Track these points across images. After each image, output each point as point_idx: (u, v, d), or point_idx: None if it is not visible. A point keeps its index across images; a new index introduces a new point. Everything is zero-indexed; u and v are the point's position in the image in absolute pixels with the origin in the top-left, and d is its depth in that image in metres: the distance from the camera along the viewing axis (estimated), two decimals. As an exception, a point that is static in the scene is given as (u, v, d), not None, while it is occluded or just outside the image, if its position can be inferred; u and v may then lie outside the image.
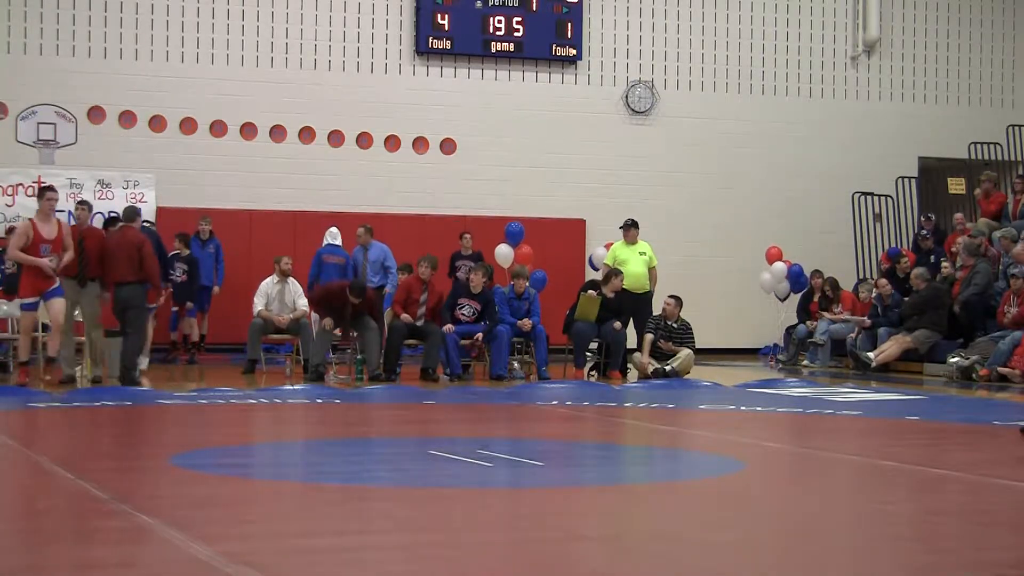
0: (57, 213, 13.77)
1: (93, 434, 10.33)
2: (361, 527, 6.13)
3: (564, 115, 20.95)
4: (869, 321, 18.01)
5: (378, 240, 17.34)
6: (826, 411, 11.78)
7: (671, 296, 16.17)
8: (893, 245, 21.25)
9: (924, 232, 19.82)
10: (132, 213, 14.48)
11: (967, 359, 16.20)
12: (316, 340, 15.11)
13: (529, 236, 18.56)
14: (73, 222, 15.21)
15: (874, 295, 18.48)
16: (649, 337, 15.90)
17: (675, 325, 16.06)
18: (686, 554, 5.63)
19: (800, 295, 19.62)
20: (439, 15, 20.32)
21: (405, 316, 15.13)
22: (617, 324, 15.87)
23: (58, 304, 13.43)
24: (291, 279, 16.03)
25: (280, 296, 15.86)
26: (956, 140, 22.35)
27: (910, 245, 20.63)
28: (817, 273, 19.31)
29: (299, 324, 15.74)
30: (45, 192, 13.77)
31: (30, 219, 13.67)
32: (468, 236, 18.18)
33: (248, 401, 12.19)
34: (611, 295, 16.00)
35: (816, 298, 19.23)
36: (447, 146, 20.63)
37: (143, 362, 14.83)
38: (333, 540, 5.77)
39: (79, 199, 15.66)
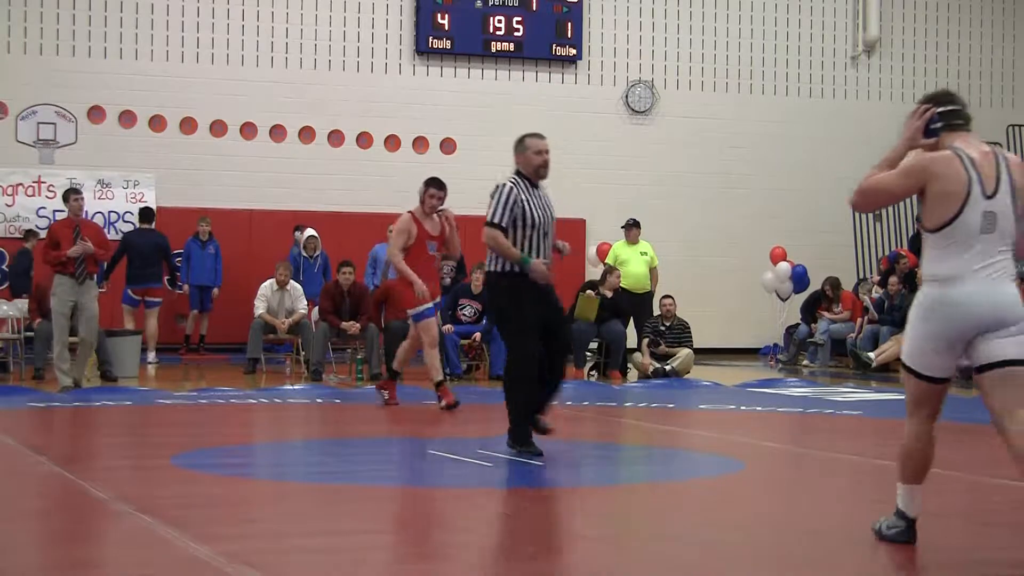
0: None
1: (93, 434, 10.33)
2: (361, 527, 6.12)
3: (564, 115, 20.93)
4: (876, 315, 18.06)
5: (378, 240, 17.40)
6: (826, 411, 11.78)
7: (667, 296, 16.19)
8: (894, 244, 21.25)
9: None
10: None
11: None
12: (316, 340, 15.16)
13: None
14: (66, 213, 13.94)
15: (876, 294, 18.48)
16: (645, 340, 15.96)
17: (672, 324, 16.07)
18: (686, 554, 5.63)
19: (805, 296, 19.56)
20: (439, 15, 20.31)
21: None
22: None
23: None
24: (292, 283, 16.11)
25: (280, 301, 15.96)
26: (956, 140, 22.31)
27: (908, 244, 20.62)
28: (830, 279, 19.17)
29: (299, 324, 15.82)
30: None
31: (410, 212, 11.59)
32: None
33: (248, 401, 12.19)
34: (609, 294, 16.00)
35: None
36: (447, 146, 20.63)
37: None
38: (333, 540, 5.77)
39: (69, 188, 14.19)
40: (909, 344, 5.53)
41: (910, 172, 5.47)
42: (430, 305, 11.34)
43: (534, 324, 8.29)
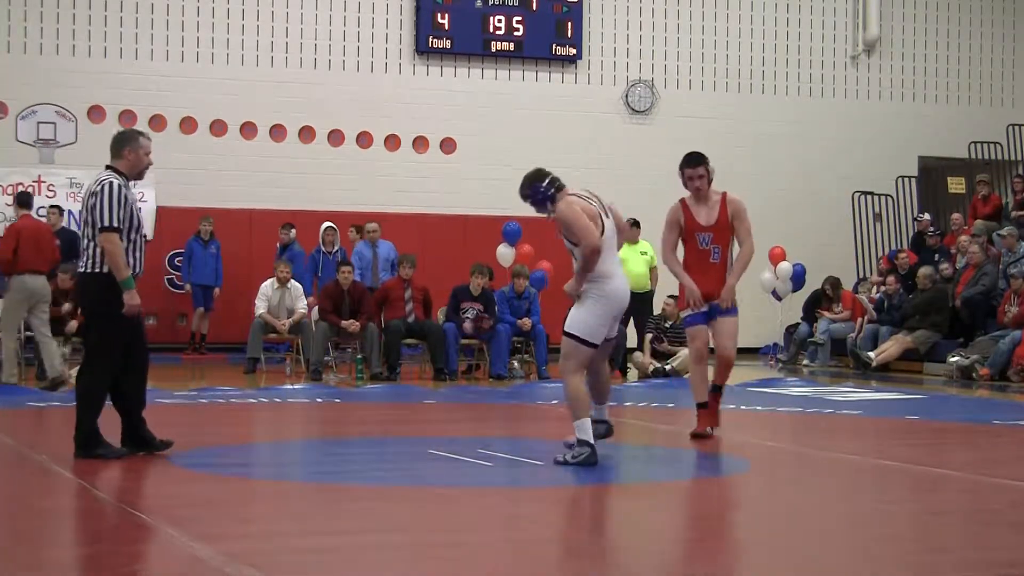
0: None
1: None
2: (361, 527, 6.12)
3: (564, 115, 20.95)
4: (875, 314, 18.06)
5: (381, 239, 17.39)
6: (826, 411, 11.78)
7: (671, 296, 16.16)
8: (893, 244, 21.26)
9: (932, 230, 19.80)
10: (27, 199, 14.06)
11: (967, 358, 16.20)
12: (316, 340, 15.16)
13: (529, 236, 18.54)
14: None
15: (877, 293, 18.47)
16: (647, 336, 15.97)
17: (674, 324, 16.07)
18: (686, 554, 5.63)
19: (808, 295, 19.53)
20: (439, 15, 20.32)
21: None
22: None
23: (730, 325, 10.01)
24: (292, 282, 16.10)
25: (281, 300, 15.96)
26: (956, 140, 22.35)
27: (909, 244, 20.63)
28: (830, 279, 19.17)
29: (299, 324, 15.83)
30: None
31: (682, 200, 9.89)
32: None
33: (248, 401, 12.18)
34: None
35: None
36: (447, 146, 20.63)
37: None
38: (333, 540, 5.76)
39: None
40: (586, 323, 7.78)
41: (578, 213, 7.76)
42: (701, 310, 9.78)
43: (122, 338, 7.85)
